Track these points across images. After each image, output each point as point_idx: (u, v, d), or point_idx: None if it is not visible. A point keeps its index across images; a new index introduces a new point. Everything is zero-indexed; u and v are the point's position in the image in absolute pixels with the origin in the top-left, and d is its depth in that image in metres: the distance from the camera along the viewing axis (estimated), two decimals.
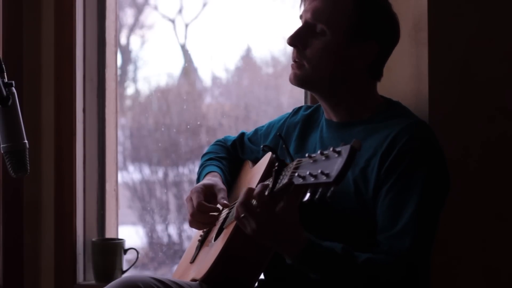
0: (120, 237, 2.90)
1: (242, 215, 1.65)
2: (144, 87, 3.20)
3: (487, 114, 2.10)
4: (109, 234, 2.89)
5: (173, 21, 3.12)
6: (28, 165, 1.74)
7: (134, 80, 3.21)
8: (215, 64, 3.09)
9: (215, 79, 3.16)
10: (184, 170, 3.09)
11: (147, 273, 3.02)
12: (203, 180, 2.09)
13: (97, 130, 2.88)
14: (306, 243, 1.66)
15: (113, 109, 2.91)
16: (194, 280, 1.90)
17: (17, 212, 2.79)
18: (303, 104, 2.67)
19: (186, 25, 3.10)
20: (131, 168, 3.17)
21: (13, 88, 1.73)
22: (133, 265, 2.84)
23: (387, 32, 1.90)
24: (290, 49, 1.93)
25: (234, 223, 1.83)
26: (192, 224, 2.01)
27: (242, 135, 2.25)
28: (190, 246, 2.21)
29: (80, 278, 2.82)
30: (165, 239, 3.06)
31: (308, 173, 1.46)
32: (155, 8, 3.19)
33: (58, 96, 2.78)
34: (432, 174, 1.78)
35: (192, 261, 2.06)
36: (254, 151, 2.18)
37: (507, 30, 2.10)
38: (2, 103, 1.71)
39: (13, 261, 2.80)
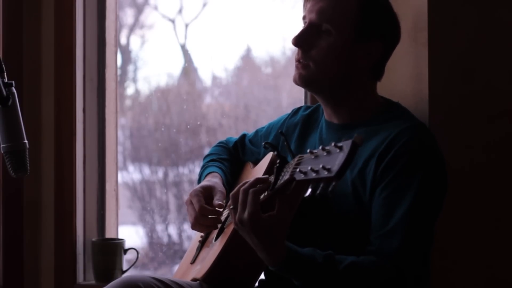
0: (120, 237, 2.90)
1: (232, 206, 1.66)
2: (144, 87, 3.20)
3: (487, 114, 2.10)
4: (109, 234, 2.89)
5: (173, 21, 3.12)
6: (28, 165, 1.74)
7: (134, 80, 3.21)
8: (215, 64, 3.09)
9: (215, 79, 3.16)
10: (184, 170, 3.09)
11: (147, 273, 3.02)
12: (203, 181, 2.09)
13: (97, 130, 2.88)
14: (285, 252, 1.65)
15: (113, 109, 2.91)
16: (194, 279, 1.90)
17: (17, 212, 2.79)
18: (302, 104, 2.67)
19: (186, 25, 3.10)
20: (131, 168, 3.17)
21: (13, 88, 1.73)
22: (133, 265, 2.84)
23: (390, 32, 1.90)
24: (290, 49, 1.93)
25: None
26: (195, 227, 2.01)
27: (243, 136, 2.25)
28: (191, 247, 2.21)
29: (80, 278, 2.82)
30: (165, 239, 3.06)
31: (309, 168, 1.45)
32: (155, 8, 3.19)
33: (58, 96, 2.78)
34: (428, 176, 1.77)
35: (193, 261, 2.06)
36: (254, 153, 2.18)
37: (507, 30, 2.10)
38: (2, 103, 1.71)
39: (13, 261, 2.80)
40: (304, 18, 1.91)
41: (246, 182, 1.65)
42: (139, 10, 3.24)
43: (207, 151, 2.34)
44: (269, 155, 1.97)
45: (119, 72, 2.99)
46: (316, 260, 1.67)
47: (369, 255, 1.73)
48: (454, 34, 2.10)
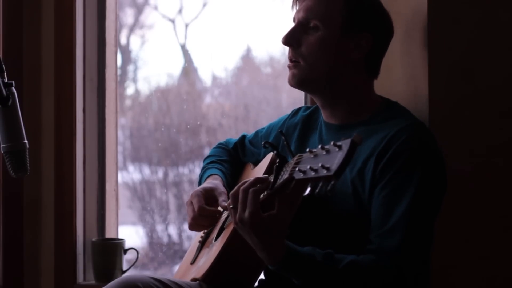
0: (120, 237, 2.90)
1: (231, 206, 1.66)
2: (144, 87, 3.20)
3: (487, 114, 2.10)
4: (109, 234, 2.89)
5: (173, 21, 3.12)
6: (28, 165, 1.74)
7: (134, 80, 3.21)
8: (215, 64, 3.09)
9: (215, 79, 3.16)
10: (184, 170, 3.09)
11: (147, 273, 3.02)
12: (204, 183, 2.09)
13: (97, 130, 2.88)
14: (285, 252, 1.65)
15: (113, 109, 2.91)
16: (194, 279, 1.90)
17: (17, 212, 2.79)
18: (302, 104, 2.67)
19: (186, 25, 3.10)
20: (131, 168, 3.17)
21: (13, 88, 1.73)
22: (133, 265, 2.84)
23: (380, 24, 1.91)
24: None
25: None
26: (193, 227, 2.02)
27: (243, 137, 2.26)
28: (191, 248, 2.21)
29: (80, 278, 2.82)
30: (165, 239, 3.06)
31: (308, 167, 1.46)
32: (155, 8, 3.19)
33: (58, 96, 2.78)
34: (427, 175, 1.77)
35: (193, 261, 2.06)
36: (254, 154, 2.18)
37: (507, 30, 2.10)
38: (2, 103, 1.71)
39: (13, 261, 2.80)
40: (294, 19, 1.92)
41: (246, 181, 1.65)
42: (139, 10, 3.24)
43: (207, 151, 2.35)
44: (269, 155, 1.97)
45: (119, 72, 2.99)
46: (315, 259, 1.68)
47: (369, 253, 1.74)
48: (454, 34, 2.10)
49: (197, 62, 3.13)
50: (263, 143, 1.85)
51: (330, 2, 1.87)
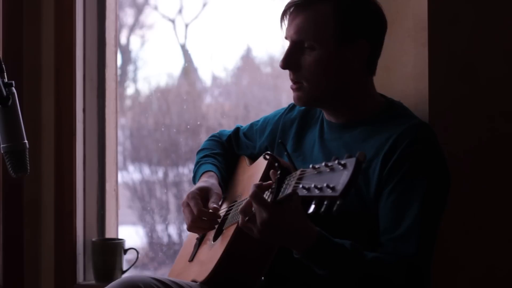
0: (120, 237, 2.90)
1: (246, 218, 1.66)
2: (144, 87, 3.20)
3: (487, 114, 2.10)
4: (109, 234, 2.89)
5: (173, 21, 3.12)
6: (28, 165, 1.74)
7: (134, 80, 3.21)
8: (215, 64, 3.09)
9: (215, 79, 3.16)
10: (184, 170, 3.09)
11: (147, 273, 3.02)
12: (199, 182, 2.08)
13: (97, 130, 2.88)
14: (316, 238, 1.66)
15: (113, 109, 2.91)
16: (194, 281, 1.90)
17: (17, 212, 2.79)
18: None
19: (186, 25, 3.10)
20: (131, 168, 3.17)
21: (13, 88, 1.73)
22: (133, 265, 2.84)
23: (372, 27, 1.89)
24: None
25: (235, 225, 1.83)
26: (192, 229, 2.01)
27: (237, 130, 2.24)
28: (186, 243, 2.20)
29: (80, 278, 2.82)
30: (165, 239, 3.06)
31: (313, 185, 1.45)
32: (155, 8, 3.19)
33: (58, 96, 2.78)
34: (434, 176, 1.78)
35: (191, 259, 2.06)
36: (249, 147, 2.17)
37: (507, 30, 2.10)
38: (2, 103, 1.71)
39: (13, 261, 2.80)
40: (286, 38, 1.90)
41: (252, 192, 1.65)
42: (139, 10, 3.24)
43: None
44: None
45: (119, 72, 2.99)
46: (345, 246, 1.68)
47: (386, 255, 1.75)
48: (454, 34, 2.10)
49: (197, 62, 3.13)
50: (263, 155, 1.84)
51: (319, 19, 1.84)
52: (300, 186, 1.50)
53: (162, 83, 3.16)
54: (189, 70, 3.14)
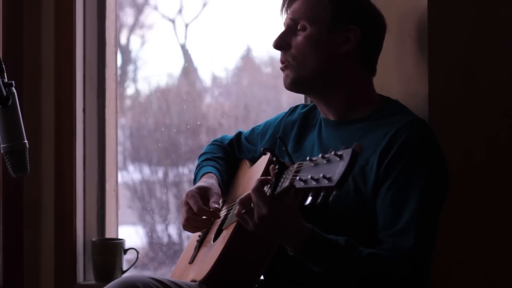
0: (120, 237, 2.90)
1: (243, 211, 1.67)
2: (144, 87, 3.20)
3: (487, 114, 2.10)
4: (109, 234, 2.89)
5: (173, 21, 3.12)
6: (28, 165, 1.74)
7: (134, 80, 3.21)
8: (215, 64, 3.09)
9: (215, 79, 3.16)
10: (184, 170, 3.09)
11: (147, 273, 3.02)
12: (199, 182, 2.09)
13: (97, 130, 2.88)
14: (308, 234, 1.66)
15: (113, 109, 2.91)
16: (193, 281, 1.90)
17: (17, 212, 2.79)
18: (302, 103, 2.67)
19: (186, 25, 3.10)
20: (131, 168, 3.17)
21: (13, 88, 1.73)
22: (133, 265, 2.84)
23: (367, 16, 1.92)
24: None
25: (234, 224, 1.83)
26: (187, 228, 2.02)
27: (239, 134, 2.25)
28: (188, 246, 2.20)
29: (80, 278, 2.82)
30: (165, 239, 3.06)
31: (309, 177, 1.46)
32: (155, 8, 3.19)
33: (58, 96, 2.78)
34: (432, 171, 1.79)
35: (191, 261, 2.06)
36: (251, 151, 2.18)
37: (507, 30, 2.10)
38: (2, 103, 1.71)
39: (13, 261, 2.80)
40: (284, 25, 1.95)
41: (254, 187, 1.66)
42: (139, 10, 3.24)
43: None
44: (266, 156, 1.96)
45: (119, 72, 2.99)
46: (338, 242, 1.69)
47: (384, 251, 1.75)
48: (454, 34, 2.10)
49: (197, 62, 3.13)
50: (261, 149, 1.86)
51: (315, 1, 1.89)
52: (297, 178, 1.51)
53: (162, 83, 3.16)
54: (189, 70, 3.14)
